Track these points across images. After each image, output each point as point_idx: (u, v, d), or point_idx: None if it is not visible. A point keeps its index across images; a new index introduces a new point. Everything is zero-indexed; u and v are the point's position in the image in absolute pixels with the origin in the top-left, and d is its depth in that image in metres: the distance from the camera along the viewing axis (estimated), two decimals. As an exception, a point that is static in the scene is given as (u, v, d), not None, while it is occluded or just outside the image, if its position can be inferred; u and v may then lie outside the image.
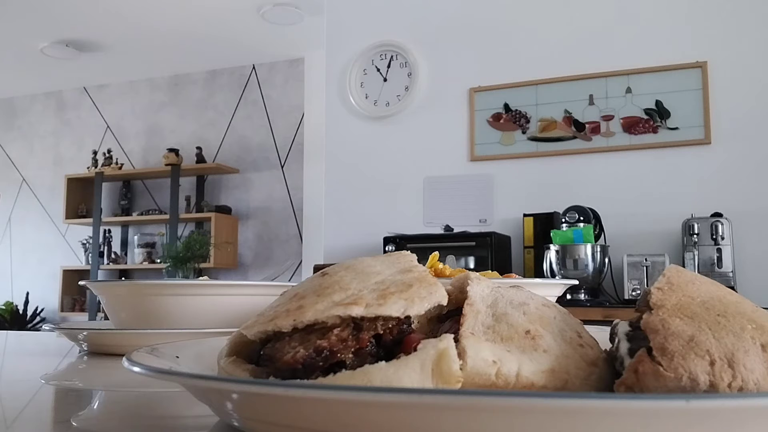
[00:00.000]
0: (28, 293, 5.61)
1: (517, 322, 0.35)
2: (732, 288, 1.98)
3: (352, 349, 0.33)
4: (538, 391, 0.32)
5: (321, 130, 3.99)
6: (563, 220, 2.82)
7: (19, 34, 4.64)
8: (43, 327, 0.98)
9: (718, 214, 2.74)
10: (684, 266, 1.41)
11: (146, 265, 5.25)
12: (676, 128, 2.98)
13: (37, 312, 5.48)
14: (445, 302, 0.37)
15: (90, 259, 5.31)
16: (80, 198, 5.52)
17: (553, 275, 2.76)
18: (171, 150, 5.10)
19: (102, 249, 5.35)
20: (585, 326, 0.40)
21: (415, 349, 0.31)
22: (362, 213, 3.49)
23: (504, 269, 2.85)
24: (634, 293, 2.72)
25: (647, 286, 1.09)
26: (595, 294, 2.79)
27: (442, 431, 0.27)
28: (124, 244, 5.53)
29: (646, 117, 3.03)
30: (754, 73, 2.90)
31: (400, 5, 3.54)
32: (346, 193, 3.55)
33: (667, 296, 0.34)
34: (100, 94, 5.77)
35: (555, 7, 3.25)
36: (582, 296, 2.75)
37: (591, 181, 3.09)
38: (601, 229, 2.91)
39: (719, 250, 2.70)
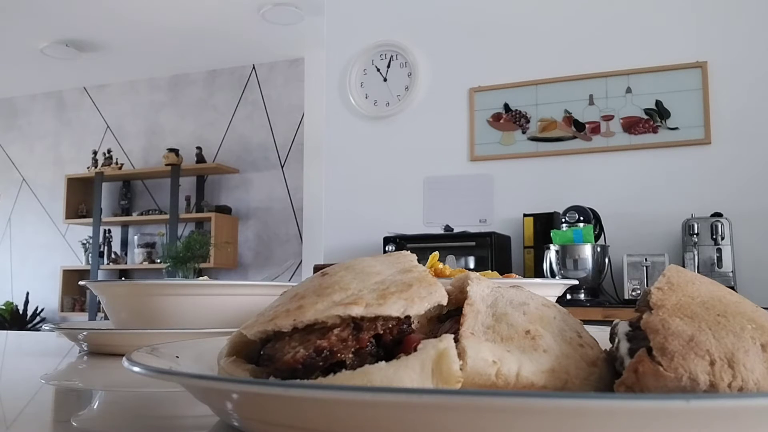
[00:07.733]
0: (28, 293, 5.60)
1: (517, 322, 0.35)
2: (732, 288, 1.98)
3: (352, 349, 0.33)
4: (538, 391, 0.32)
5: (321, 130, 3.99)
6: (563, 220, 2.82)
7: (19, 34, 4.63)
8: (43, 327, 0.98)
9: (718, 214, 2.74)
10: (684, 266, 1.41)
11: (146, 265, 5.25)
12: (676, 128, 2.98)
13: (37, 312, 5.48)
14: (445, 302, 0.37)
15: (90, 259, 5.30)
16: (80, 198, 5.52)
17: (553, 275, 2.76)
18: (171, 150, 5.10)
19: (102, 249, 5.35)
20: (585, 326, 0.40)
21: (415, 349, 0.31)
22: (362, 213, 3.49)
23: (504, 269, 2.85)
24: (634, 293, 2.72)
25: (647, 286, 1.09)
26: (595, 294, 2.79)
27: (442, 431, 0.27)
28: (124, 244, 5.53)
29: (646, 117, 3.03)
30: (754, 73, 2.90)
31: (400, 5, 3.54)
32: (346, 193, 3.54)
33: (667, 296, 0.34)
34: (100, 94, 5.77)
35: (555, 8, 3.25)
36: (582, 296, 2.75)
37: (591, 181, 3.09)
38: (601, 229, 2.90)
39: (719, 250, 2.70)
